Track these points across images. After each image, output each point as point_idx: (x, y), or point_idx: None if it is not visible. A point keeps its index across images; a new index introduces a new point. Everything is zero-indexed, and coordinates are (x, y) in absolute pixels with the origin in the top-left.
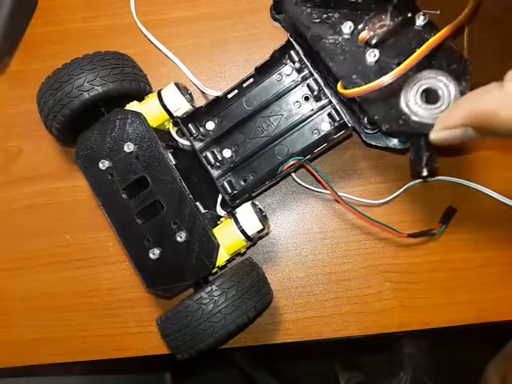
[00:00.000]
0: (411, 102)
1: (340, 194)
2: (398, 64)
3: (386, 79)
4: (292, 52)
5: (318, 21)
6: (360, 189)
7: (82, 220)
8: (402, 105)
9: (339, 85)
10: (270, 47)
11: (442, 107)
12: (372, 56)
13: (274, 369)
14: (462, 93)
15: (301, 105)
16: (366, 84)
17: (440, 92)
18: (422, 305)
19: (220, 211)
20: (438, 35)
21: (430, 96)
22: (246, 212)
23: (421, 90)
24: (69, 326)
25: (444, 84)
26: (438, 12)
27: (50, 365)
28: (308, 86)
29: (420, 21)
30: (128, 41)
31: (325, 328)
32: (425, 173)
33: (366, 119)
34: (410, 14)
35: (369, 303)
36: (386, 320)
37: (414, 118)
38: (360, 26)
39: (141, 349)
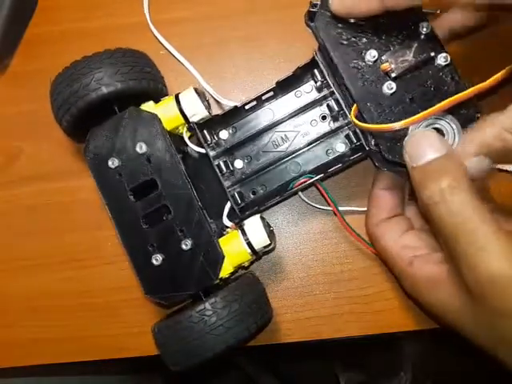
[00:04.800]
0: None
1: (346, 208)
2: (411, 99)
3: (396, 126)
4: (316, 71)
5: (345, 42)
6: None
7: (82, 220)
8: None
9: (353, 109)
10: (270, 47)
11: None
12: (389, 88)
13: (273, 369)
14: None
15: (318, 123)
16: (377, 113)
17: (445, 134)
18: None
19: (226, 222)
20: (457, 96)
21: None
22: (254, 225)
23: (428, 128)
24: (69, 326)
25: (451, 128)
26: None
27: (50, 365)
28: (328, 105)
29: (441, 61)
30: (129, 41)
31: (325, 328)
32: None
33: (373, 141)
34: (432, 54)
35: (369, 303)
36: (386, 320)
37: None
38: (383, 57)
39: (141, 349)
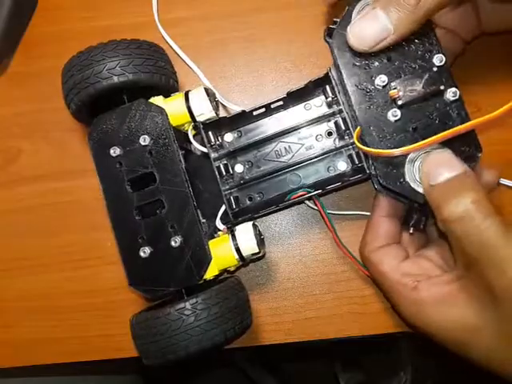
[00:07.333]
0: (415, 169)
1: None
2: (414, 129)
3: (396, 152)
4: (327, 87)
5: (358, 64)
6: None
7: (82, 220)
8: (405, 169)
9: (356, 131)
10: (270, 47)
11: None
12: (394, 115)
13: (274, 369)
14: None
15: (323, 139)
16: (379, 138)
17: None
18: None
19: (219, 224)
20: (458, 128)
21: None
22: (245, 232)
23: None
24: (69, 326)
25: None
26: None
27: (50, 365)
28: (335, 122)
29: (449, 96)
30: None
31: (325, 328)
32: (411, 231)
33: (372, 166)
34: (442, 87)
35: (369, 303)
36: (385, 320)
37: (412, 184)
38: (393, 83)
39: None
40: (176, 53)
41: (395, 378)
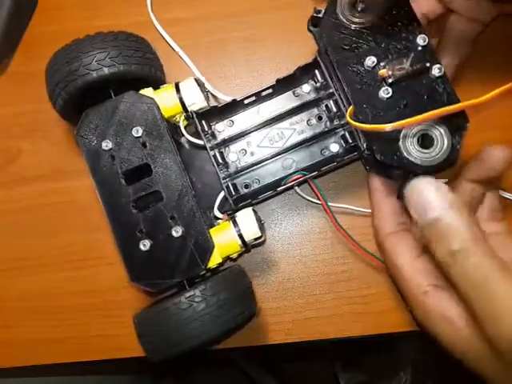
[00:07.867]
0: (408, 143)
1: (341, 205)
2: (405, 105)
3: (388, 127)
4: (316, 71)
5: (347, 47)
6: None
7: (82, 220)
8: (400, 143)
9: (349, 110)
10: (270, 47)
11: (433, 153)
12: (385, 93)
13: (273, 369)
14: (454, 146)
15: (314, 123)
16: (372, 115)
17: (435, 140)
18: None
19: (217, 213)
20: (446, 109)
21: (425, 139)
22: (246, 217)
23: (419, 133)
24: (69, 326)
25: (440, 134)
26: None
27: (50, 365)
28: (326, 106)
29: (435, 72)
30: None
31: (325, 328)
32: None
33: (365, 144)
34: (428, 64)
35: (369, 303)
36: (386, 320)
37: (407, 156)
38: (382, 64)
39: (141, 349)
40: (176, 52)
41: (395, 378)
